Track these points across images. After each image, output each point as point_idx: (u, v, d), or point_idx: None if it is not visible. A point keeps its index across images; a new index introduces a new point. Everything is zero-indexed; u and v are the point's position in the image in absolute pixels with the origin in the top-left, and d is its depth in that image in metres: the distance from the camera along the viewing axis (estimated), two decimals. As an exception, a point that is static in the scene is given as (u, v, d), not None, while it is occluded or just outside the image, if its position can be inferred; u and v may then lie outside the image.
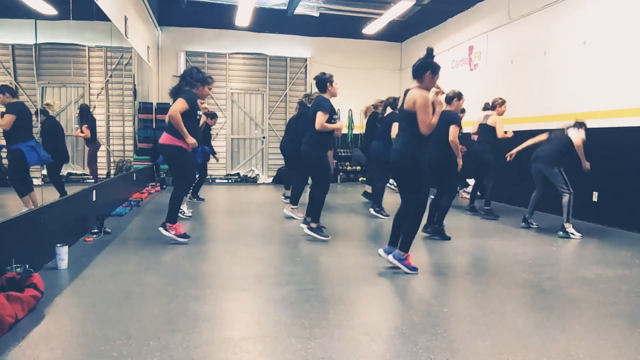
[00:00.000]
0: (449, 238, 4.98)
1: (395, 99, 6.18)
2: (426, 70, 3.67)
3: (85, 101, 5.83)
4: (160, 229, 4.64)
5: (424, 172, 3.71)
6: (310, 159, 4.93)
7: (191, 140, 4.51)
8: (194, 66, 4.93)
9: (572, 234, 5.26)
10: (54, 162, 4.70)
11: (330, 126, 4.76)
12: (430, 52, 3.73)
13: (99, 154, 6.22)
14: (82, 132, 5.64)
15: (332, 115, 4.76)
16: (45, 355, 2.24)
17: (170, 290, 3.24)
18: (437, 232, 5.05)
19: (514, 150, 6.00)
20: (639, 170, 5.59)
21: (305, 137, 4.99)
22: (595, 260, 4.32)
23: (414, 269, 3.74)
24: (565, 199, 5.29)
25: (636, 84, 5.62)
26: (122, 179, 7.34)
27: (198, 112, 4.65)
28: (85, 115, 5.79)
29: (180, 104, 4.45)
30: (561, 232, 5.30)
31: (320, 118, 4.70)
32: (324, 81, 4.85)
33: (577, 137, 5.36)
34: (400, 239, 3.78)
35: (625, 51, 5.79)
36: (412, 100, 3.62)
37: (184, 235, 4.67)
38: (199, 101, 4.76)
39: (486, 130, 6.48)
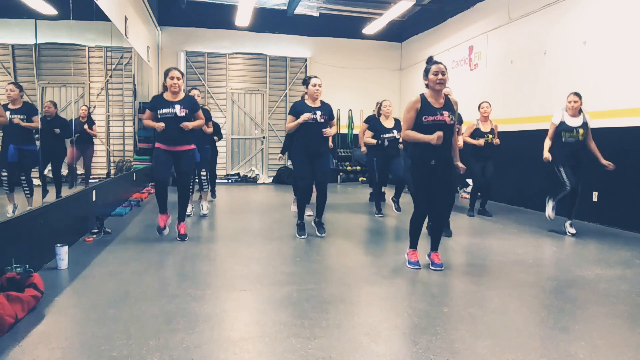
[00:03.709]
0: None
1: None
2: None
3: (85, 101, 5.84)
4: None
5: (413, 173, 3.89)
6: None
7: (158, 125, 4.64)
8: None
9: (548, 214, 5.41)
10: (56, 160, 4.79)
11: (294, 124, 4.80)
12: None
13: (97, 153, 6.26)
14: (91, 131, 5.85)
15: (298, 116, 4.80)
16: (45, 355, 2.24)
17: (170, 290, 3.24)
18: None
19: (546, 151, 5.41)
20: (639, 170, 5.59)
21: None
22: (595, 260, 4.32)
23: (411, 263, 3.93)
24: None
25: (636, 84, 5.62)
26: (122, 179, 7.34)
27: (160, 111, 4.72)
28: (90, 116, 5.90)
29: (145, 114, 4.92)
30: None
31: (287, 121, 4.98)
32: (303, 83, 5.00)
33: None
34: None
35: (625, 51, 5.78)
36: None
37: (158, 228, 4.87)
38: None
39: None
